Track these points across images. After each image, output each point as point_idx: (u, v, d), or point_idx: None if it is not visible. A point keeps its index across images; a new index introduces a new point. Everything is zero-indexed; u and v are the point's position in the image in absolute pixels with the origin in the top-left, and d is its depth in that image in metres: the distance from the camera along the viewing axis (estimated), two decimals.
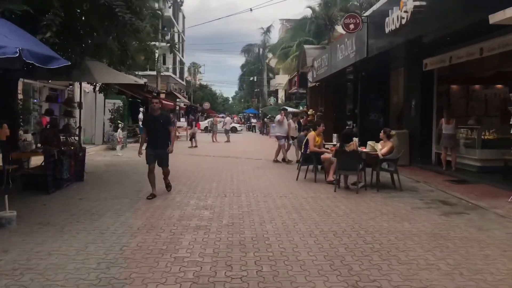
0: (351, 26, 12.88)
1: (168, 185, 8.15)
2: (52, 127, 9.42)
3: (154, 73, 38.78)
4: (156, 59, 37.46)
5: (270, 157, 15.49)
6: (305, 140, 9.89)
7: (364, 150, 8.99)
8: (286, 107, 28.00)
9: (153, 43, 30.07)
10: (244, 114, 67.87)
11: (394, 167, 8.62)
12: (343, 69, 17.44)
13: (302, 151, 9.87)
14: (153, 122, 7.68)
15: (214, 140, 25.35)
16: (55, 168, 8.01)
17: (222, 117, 43.45)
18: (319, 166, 9.76)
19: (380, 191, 8.33)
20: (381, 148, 8.85)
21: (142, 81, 11.57)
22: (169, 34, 45.36)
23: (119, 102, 19.42)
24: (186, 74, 65.82)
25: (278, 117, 14.58)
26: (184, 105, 44.79)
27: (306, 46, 25.05)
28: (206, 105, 57.92)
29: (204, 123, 39.47)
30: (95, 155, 15.81)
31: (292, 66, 33.89)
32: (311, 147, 9.58)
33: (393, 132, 9.50)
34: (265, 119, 40.83)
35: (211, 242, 4.95)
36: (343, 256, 4.49)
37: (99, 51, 9.53)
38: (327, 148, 10.23)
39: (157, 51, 33.85)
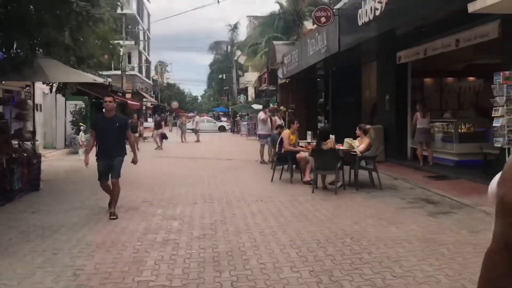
0: (322, 19, 12.48)
1: (113, 213, 6.14)
2: (1, 133, 8.51)
3: (119, 72, 37.53)
4: (121, 58, 36.23)
5: (242, 157, 14.96)
6: (279, 139, 9.38)
7: (341, 147, 8.56)
8: (271, 104, 27.38)
9: (116, 41, 29.03)
10: (214, 112, 66.96)
11: (372, 165, 8.23)
12: (314, 65, 17.08)
13: (277, 150, 9.36)
14: (106, 125, 6.33)
15: (183, 140, 24.56)
16: (4, 178, 7.16)
17: (192, 116, 42.53)
18: (294, 166, 9.28)
19: (359, 191, 7.93)
20: (358, 145, 8.44)
21: (101, 79, 10.74)
22: (133, 31, 44.07)
23: (81, 104, 18.37)
24: (153, 73, 64.35)
25: (262, 114, 13.69)
26: (151, 104, 43.62)
27: (275, 42, 24.61)
28: (175, 104, 56.78)
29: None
30: (55, 160, 14.82)
31: (262, 63, 33.42)
32: (286, 146, 9.09)
33: (368, 126, 9.12)
34: (236, 118, 40.24)
35: (180, 260, 4.34)
36: (331, 271, 3.99)
37: (54, 48, 8.72)
38: (302, 147, 9.76)
39: (121, 49, 32.74)
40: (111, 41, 12.01)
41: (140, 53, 49.33)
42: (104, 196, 7.44)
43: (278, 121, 13.25)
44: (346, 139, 8.57)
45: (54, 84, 9.96)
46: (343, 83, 17.83)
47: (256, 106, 34.68)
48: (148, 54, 59.54)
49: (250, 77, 49.50)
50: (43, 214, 6.49)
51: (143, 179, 9.89)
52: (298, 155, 8.95)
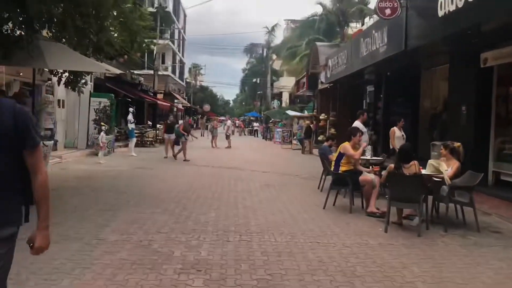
0: (387, 11, 10.40)
1: None
2: None
3: (152, 72, 36.44)
4: (154, 56, 35.11)
5: (279, 170, 13.03)
6: (336, 154, 7.35)
7: (423, 172, 6.44)
8: (306, 111, 25.16)
9: (149, 39, 27.77)
10: (245, 117, 65.31)
11: (468, 198, 6.09)
12: (365, 68, 15.02)
13: (333, 168, 7.33)
14: None
15: (214, 145, 22.83)
16: None
17: (223, 120, 40.99)
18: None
19: (449, 231, 5.81)
20: (446, 169, 6.32)
21: (118, 70, 8.95)
22: (168, 31, 43.08)
23: (105, 101, 16.89)
24: (186, 75, 63.52)
25: (359, 125, 9.71)
26: (183, 106, 42.35)
27: (318, 44, 22.60)
28: (206, 107, 55.53)
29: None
30: (72, 162, 13.28)
31: (300, 67, 31.46)
32: (355, 156, 7.00)
33: (457, 144, 6.98)
34: (269, 123, 38.36)
35: None
36: None
37: (62, 30, 7.04)
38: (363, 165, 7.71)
39: (154, 47, 31.52)
40: (137, 32, 10.15)
41: (174, 54, 48.39)
42: (110, 220, 5.65)
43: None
44: (431, 161, 6.45)
45: (62, 75, 8.29)
46: (397, 91, 15.56)
47: (291, 112, 32.68)
48: (183, 56, 58.73)
49: (285, 82, 47.61)
50: (18, 249, 4.70)
51: (164, 194, 8.07)
52: (362, 178, 6.90)
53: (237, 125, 44.76)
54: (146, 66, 37.02)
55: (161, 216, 6.32)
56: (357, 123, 9.96)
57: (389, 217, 5.99)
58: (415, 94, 15.31)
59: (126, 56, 27.66)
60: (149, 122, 29.20)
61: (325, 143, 9.61)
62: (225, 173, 12.04)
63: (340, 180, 7.17)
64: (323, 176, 9.33)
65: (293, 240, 5.27)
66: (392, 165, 5.95)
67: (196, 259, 4.45)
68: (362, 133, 7.41)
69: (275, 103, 49.56)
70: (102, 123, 14.84)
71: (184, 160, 14.72)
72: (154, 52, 35.46)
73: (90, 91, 17.41)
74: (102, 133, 13.63)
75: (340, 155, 7.22)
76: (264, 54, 54.22)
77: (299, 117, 30.21)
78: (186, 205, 7.23)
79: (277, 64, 52.30)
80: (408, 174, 5.81)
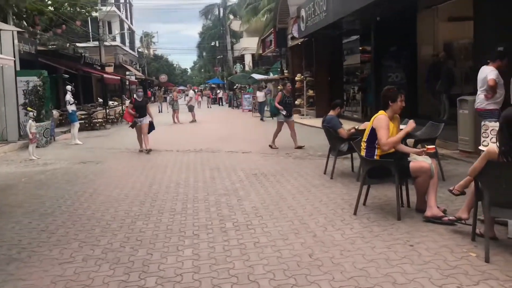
0: None
1: None
2: None
3: (98, 44, 32.43)
4: (98, 23, 31.16)
5: (260, 147, 10.52)
6: (368, 130, 4.81)
7: None
8: (272, 73, 22.38)
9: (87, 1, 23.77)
10: (206, 85, 61.63)
11: None
12: (350, 14, 12.46)
13: (364, 153, 4.82)
14: None
15: (176, 121, 19.91)
16: None
17: (184, 90, 37.87)
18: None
19: None
20: None
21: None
22: None
23: (35, 79, 13.55)
24: (138, 45, 58.90)
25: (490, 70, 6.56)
26: (137, 78, 38.58)
27: None
28: (163, 77, 51.69)
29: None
30: None
31: (264, 24, 28.41)
32: (384, 145, 4.56)
33: None
34: (235, 90, 35.49)
35: None
36: None
37: None
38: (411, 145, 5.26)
39: (95, 13, 27.57)
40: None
41: (121, 21, 43.97)
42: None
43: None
44: None
45: None
46: (389, 39, 13.13)
47: (257, 76, 29.89)
48: (131, 23, 53.98)
49: (246, 43, 44.32)
50: None
51: (110, 212, 5.34)
52: (414, 165, 4.46)
53: (204, 94, 41.66)
54: (91, 37, 32.93)
55: (99, 270, 3.66)
56: (488, 69, 6.57)
57: (475, 226, 3.60)
58: (411, 42, 12.96)
59: (64, 26, 23.84)
60: (100, 100, 25.69)
61: (331, 112, 7.04)
62: (196, 159, 9.36)
63: (379, 170, 4.67)
64: (331, 156, 6.89)
65: None
66: (494, 147, 3.47)
67: None
68: (403, 94, 4.77)
69: (238, 67, 46.38)
70: (29, 108, 11.62)
71: (296, 148, 10.15)
72: (98, 19, 31.38)
73: (14, 68, 13.99)
74: (30, 121, 10.51)
75: (373, 133, 4.71)
76: (221, 14, 50.30)
77: (266, 80, 27.52)
78: (143, 233, 4.58)
79: (235, 25, 48.72)
80: None
